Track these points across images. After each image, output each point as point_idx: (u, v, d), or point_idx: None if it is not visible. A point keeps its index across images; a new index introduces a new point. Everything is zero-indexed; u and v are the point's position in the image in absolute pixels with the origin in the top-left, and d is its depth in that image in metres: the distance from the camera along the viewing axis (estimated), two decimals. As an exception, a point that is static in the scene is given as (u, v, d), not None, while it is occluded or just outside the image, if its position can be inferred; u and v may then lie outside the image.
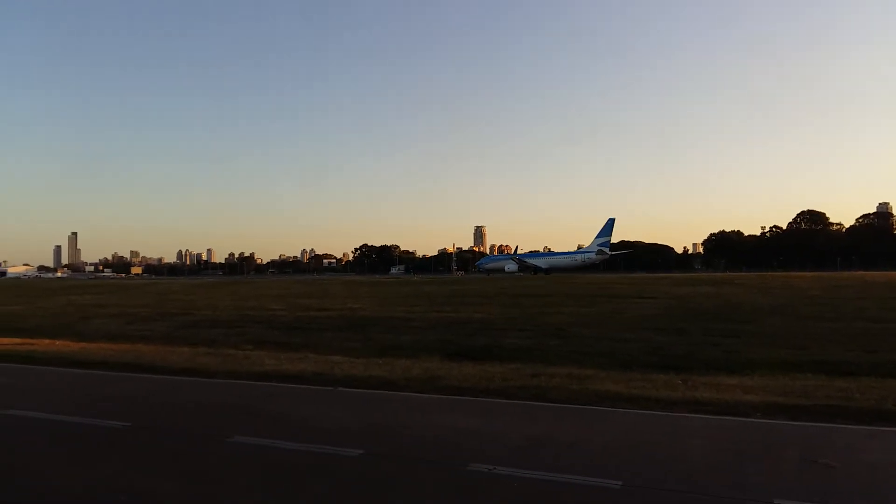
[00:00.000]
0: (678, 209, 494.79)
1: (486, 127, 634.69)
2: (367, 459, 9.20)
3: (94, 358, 19.72)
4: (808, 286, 60.47)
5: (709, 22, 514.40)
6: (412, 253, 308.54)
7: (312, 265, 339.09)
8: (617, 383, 14.57)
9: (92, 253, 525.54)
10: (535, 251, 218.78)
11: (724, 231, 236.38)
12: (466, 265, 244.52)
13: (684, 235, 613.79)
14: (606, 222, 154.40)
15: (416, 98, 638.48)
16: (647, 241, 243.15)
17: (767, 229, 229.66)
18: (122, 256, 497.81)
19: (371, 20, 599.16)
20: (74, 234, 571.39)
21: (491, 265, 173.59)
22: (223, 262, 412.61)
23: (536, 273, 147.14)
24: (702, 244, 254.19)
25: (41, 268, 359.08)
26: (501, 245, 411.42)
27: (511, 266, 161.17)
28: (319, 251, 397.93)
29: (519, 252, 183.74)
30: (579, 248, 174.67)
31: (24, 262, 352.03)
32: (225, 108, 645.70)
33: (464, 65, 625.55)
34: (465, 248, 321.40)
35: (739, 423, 11.28)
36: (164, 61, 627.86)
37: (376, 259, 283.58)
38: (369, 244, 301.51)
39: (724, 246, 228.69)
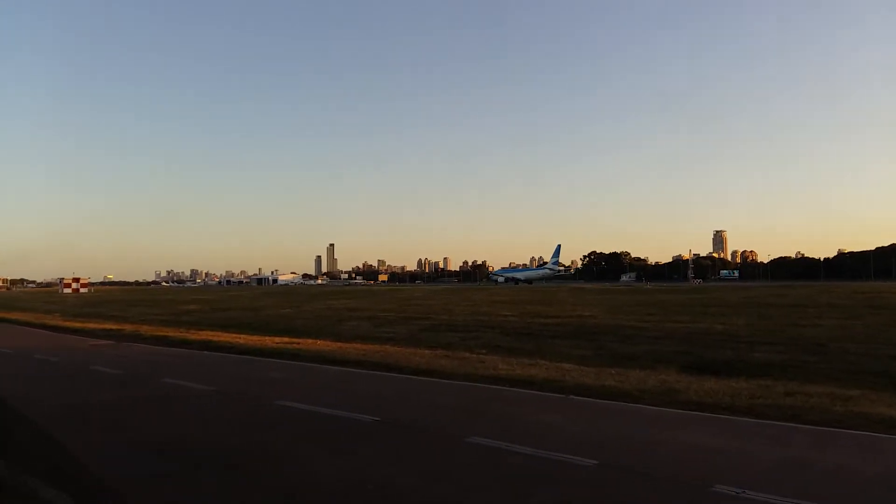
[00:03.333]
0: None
1: (728, 122, 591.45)
2: (601, 471, 8.96)
3: (349, 357, 21.81)
4: None
5: None
6: (644, 260, 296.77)
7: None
8: (891, 407, 12.57)
9: (346, 262, 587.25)
10: (505, 268, 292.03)
11: None
12: (704, 273, 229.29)
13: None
14: (556, 247, 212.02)
15: (649, 96, 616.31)
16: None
17: None
18: (370, 265, 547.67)
19: (598, 14, 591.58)
20: (332, 245, 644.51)
21: (494, 277, 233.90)
22: (458, 269, 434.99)
23: (517, 284, 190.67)
24: None
25: (305, 275, 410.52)
26: (745, 251, 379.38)
27: (501, 279, 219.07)
28: (547, 259, 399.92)
29: (490, 270, 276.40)
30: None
31: (292, 271, 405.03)
32: (459, 127, 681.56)
33: (704, 59, 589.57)
34: (703, 254, 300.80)
35: None
36: (397, 68, 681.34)
37: (605, 266, 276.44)
38: (598, 251, 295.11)
39: None
